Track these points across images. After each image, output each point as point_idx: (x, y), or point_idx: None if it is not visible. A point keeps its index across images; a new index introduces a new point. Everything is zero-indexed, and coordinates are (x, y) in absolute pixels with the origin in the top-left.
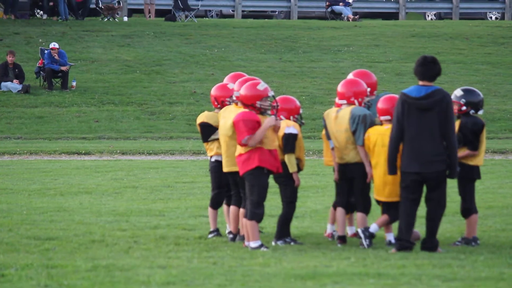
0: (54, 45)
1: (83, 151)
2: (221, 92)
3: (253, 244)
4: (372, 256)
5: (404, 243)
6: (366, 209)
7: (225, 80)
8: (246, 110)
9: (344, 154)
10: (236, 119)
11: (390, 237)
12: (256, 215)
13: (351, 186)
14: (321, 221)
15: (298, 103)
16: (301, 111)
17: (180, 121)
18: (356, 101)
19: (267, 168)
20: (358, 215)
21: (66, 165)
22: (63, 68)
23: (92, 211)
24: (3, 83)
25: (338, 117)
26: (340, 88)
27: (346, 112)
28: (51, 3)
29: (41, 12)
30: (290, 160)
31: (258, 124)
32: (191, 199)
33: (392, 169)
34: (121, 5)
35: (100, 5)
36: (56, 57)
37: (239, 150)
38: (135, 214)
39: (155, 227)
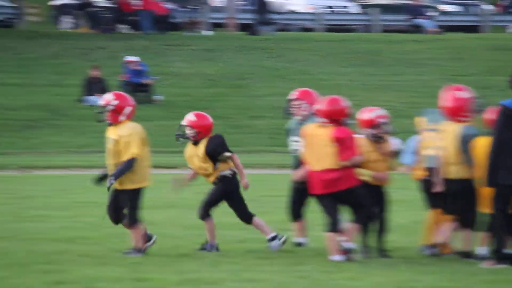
0: (131, 58)
1: (168, 165)
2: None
3: (338, 257)
4: (461, 271)
5: (500, 255)
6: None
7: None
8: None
9: (449, 169)
10: (341, 135)
11: (482, 251)
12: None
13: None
14: (408, 235)
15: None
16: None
17: (263, 135)
18: (464, 119)
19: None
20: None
21: (152, 178)
22: (146, 81)
23: (180, 225)
24: (88, 97)
25: (445, 132)
26: (451, 103)
27: (454, 128)
28: (134, 18)
29: (124, 26)
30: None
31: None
32: (278, 213)
33: (491, 181)
34: (203, 19)
35: (182, 20)
36: (136, 68)
37: (330, 165)
38: (223, 227)
39: (243, 241)
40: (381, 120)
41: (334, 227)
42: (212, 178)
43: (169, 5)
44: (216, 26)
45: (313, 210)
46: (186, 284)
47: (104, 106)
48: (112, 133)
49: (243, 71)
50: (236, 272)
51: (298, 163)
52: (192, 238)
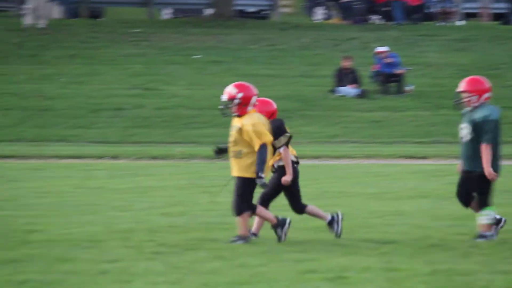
0: (380, 49)
1: (419, 155)
2: None
3: None
4: None
5: None
6: None
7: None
8: None
9: None
10: None
11: None
12: None
13: None
14: None
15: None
16: None
17: None
18: None
19: None
20: None
21: (402, 169)
22: (397, 72)
23: (430, 215)
24: (339, 88)
25: None
26: None
27: None
28: (386, 8)
29: (376, 17)
30: None
31: None
32: None
33: None
34: (456, 9)
35: (435, 10)
36: (387, 60)
37: None
38: (473, 218)
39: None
40: None
41: None
42: None
43: None
44: (469, 16)
45: None
46: (437, 274)
47: (230, 101)
48: (237, 121)
49: (496, 61)
50: (489, 263)
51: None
52: (442, 229)
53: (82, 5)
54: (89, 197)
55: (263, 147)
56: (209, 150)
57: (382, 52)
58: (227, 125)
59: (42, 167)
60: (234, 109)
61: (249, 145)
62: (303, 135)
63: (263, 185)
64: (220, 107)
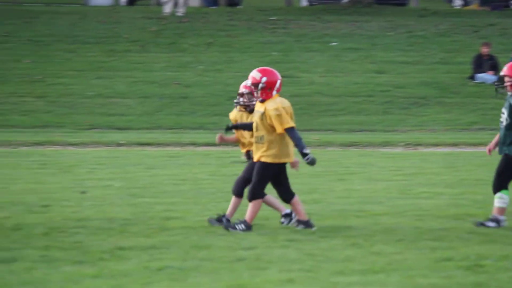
0: None
1: None
2: None
3: None
4: None
5: None
6: None
7: None
8: None
9: None
10: None
11: None
12: None
13: None
14: None
15: None
16: None
17: None
18: None
19: None
20: None
21: None
22: None
23: None
24: (478, 75)
25: None
26: None
27: None
28: None
29: None
30: None
31: None
32: None
33: None
34: None
35: None
36: None
37: None
38: None
39: None
40: None
41: None
42: None
43: None
44: None
45: None
46: None
47: (255, 85)
48: (259, 106)
49: None
50: None
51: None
52: None
53: None
54: (225, 185)
55: (289, 130)
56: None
57: None
58: (365, 112)
59: (179, 154)
60: (259, 93)
61: (271, 131)
62: (440, 122)
63: (311, 162)
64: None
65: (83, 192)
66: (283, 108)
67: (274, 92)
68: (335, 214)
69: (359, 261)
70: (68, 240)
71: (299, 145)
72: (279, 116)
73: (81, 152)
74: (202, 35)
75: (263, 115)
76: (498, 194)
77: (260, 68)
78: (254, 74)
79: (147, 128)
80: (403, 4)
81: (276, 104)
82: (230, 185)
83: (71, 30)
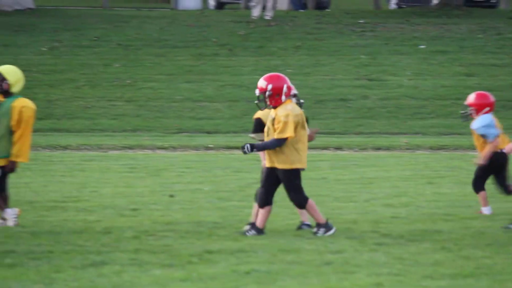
0: None
1: None
2: None
3: None
4: None
5: None
6: None
7: None
8: None
9: None
10: None
11: None
12: None
13: None
14: None
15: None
16: None
17: None
18: None
19: None
20: None
21: None
22: None
23: None
24: None
25: None
26: None
27: None
28: None
29: None
30: None
31: None
32: None
33: None
34: None
35: None
36: None
37: None
38: None
39: None
40: None
41: None
42: None
43: None
44: None
45: None
46: None
47: (262, 94)
48: (271, 112)
49: None
50: None
51: None
52: None
53: None
54: (312, 188)
55: (280, 140)
56: (429, 140)
57: None
58: (453, 115)
59: None
60: (268, 101)
61: None
62: None
63: (244, 152)
64: (255, 102)
65: (171, 196)
66: (295, 115)
67: (284, 98)
68: (424, 218)
69: (448, 265)
70: (157, 244)
71: (260, 146)
72: (284, 123)
73: (170, 155)
74: (290, 38)
75: (274, 120)
76: None
77: (266, 75)
78: (261, 83)
79: (235, 132)
80: (493, 6)
81: (287, 111)
82: (317, 188)
83: (161, 34)
